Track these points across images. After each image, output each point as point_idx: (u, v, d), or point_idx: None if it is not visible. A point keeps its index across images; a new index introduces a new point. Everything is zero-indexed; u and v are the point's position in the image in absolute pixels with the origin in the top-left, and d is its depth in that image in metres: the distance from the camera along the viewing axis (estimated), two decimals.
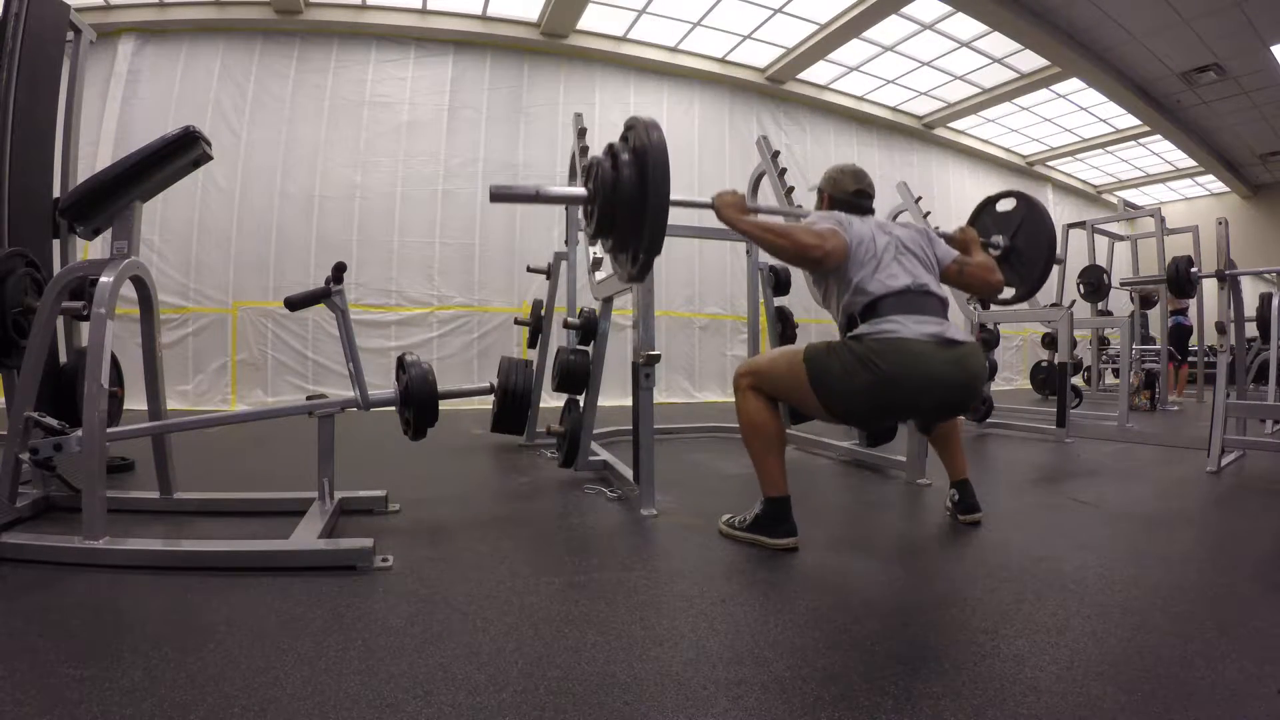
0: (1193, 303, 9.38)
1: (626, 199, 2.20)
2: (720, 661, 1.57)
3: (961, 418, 3.01)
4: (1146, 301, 10.11)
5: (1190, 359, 9.96)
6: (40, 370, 2.40)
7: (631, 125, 2.26)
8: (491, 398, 4.54)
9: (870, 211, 2.84)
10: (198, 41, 8.02)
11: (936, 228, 2.99)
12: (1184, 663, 1.58)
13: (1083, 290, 9.04)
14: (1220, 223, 4.55)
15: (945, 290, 2.64)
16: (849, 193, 2.85)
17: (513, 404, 4.70)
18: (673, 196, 2.20)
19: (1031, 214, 3.41)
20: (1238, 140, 12.60)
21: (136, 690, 1.39)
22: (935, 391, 2.37)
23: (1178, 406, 8.75)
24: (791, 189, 4.77)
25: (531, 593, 2.02)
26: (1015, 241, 3.42)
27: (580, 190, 2.44)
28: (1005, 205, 3.50)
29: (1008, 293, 3.33)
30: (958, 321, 3.11)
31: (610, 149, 2.29)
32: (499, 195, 2.33)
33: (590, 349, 3.88)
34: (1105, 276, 9.23)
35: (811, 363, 2.44)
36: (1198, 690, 1.45)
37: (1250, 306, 5.16)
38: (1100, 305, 9.20)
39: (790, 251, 2.55)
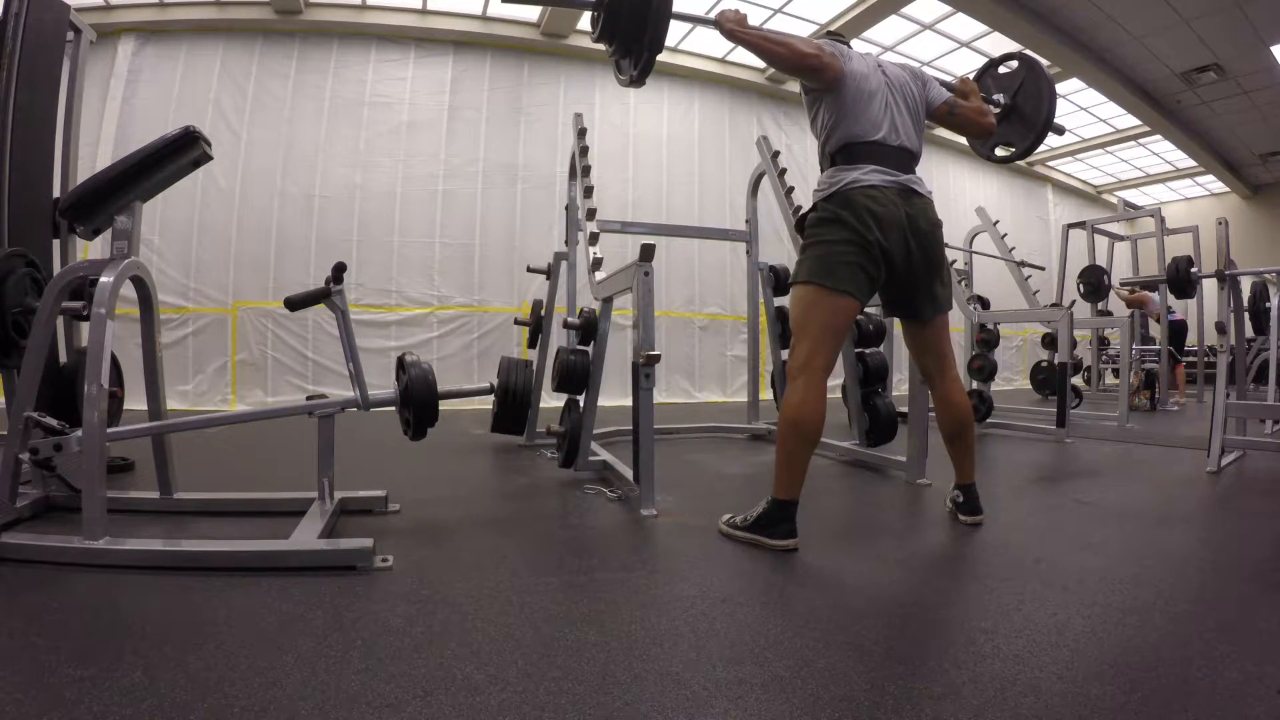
0: (1186, 302, 9.37)
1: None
2: (720, 661, 1.57)
3: (974, 425, 2.98)
4: None
5: (1189, 358, 9.96)
6: (40, 370, 2.40)
7: None
8: (491, 398, 4.54)
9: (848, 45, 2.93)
10: (197, 42, 8.03)
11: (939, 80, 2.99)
12: (1184, 663, 1.57)
13: (1082, 290, 9.05)
14: (1220, 223, 4.55)
15: (919, 142, 2.78)
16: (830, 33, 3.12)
17: (513, 404, 4.70)
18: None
19: (1032, 74, 3.34)
20: (1238, 140, 12.61)
21: (136, 690, 1.39)
22: (899, 234, 2.57)
23: (1178, 406, 8.75)
24: (791, 189, 4.78)
25: (531, 592, 2.02)
26: (1016, 100, 3.35)
27: None
28: (1007, 68, 3.45)
29: (1005, 152, 3.41)
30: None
31: None
32: None
33: (590, 349, 3.88)
34: (1105, 277, 9.24)
35: (800, 274, 2.65)
36: (1198, 690, 1.45)
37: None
38: (1100, 305, 9.21)
39: (789, 60, 2.64)
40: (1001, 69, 3.46)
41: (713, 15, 2.67)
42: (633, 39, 2.51)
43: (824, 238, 2.60)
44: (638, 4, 2.41)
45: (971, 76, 3.23)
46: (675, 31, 9.23)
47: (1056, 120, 3.24)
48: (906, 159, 2.70)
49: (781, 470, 2.55)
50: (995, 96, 3.37)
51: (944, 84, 2.97)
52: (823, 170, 2.77)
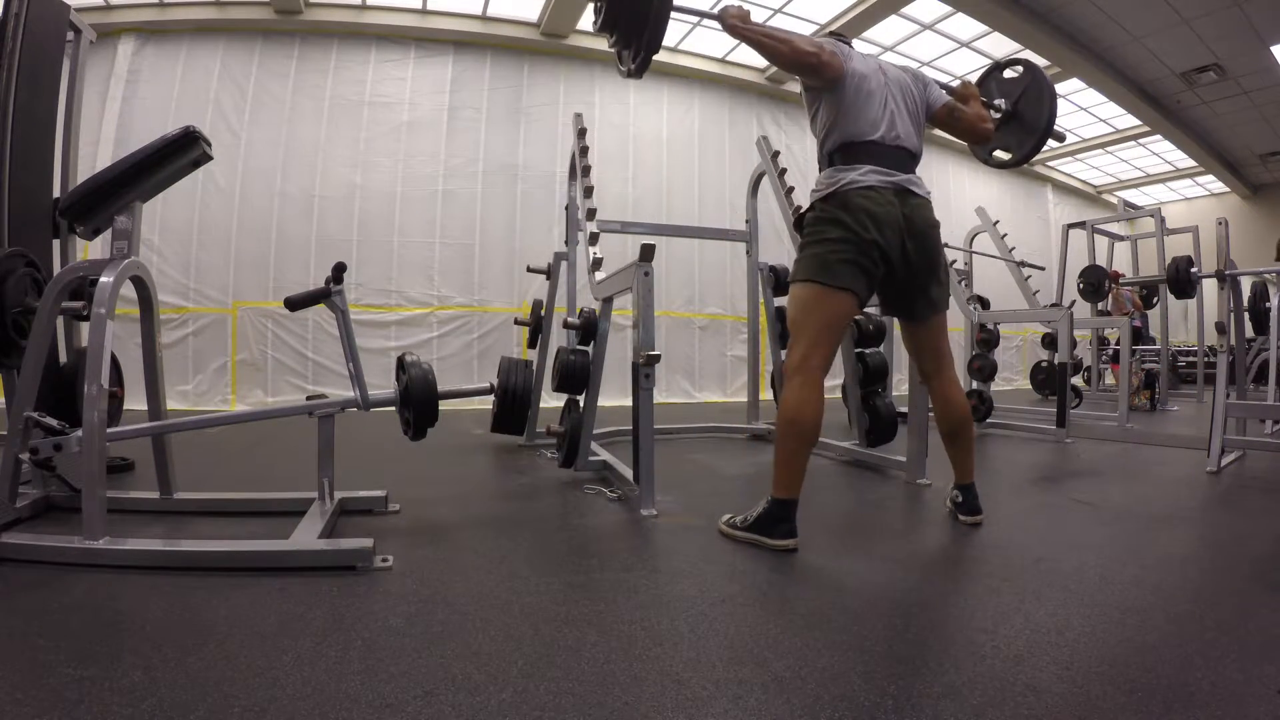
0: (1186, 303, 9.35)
1: None
2: (720, 662, 1.57)
3: (974, 425, 2.98)
4: (1145, 302, 10.12)
5: (1189, 358, 9.92)
6: (40, 370, 2.40)
7: None
8: (491, 398, 4.54)
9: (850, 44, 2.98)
10: (197, 42, 8.02)
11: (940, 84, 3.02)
12: (1184, 663, 1.58)
13: (1082, 288, 9.04)
14: (1220, 223, 4.55)
15: (918, 142, 2.81)
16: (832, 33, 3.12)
17: (513, 404, 4.69)
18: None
19: (1035, 80, 3.37)
20: (1238, 140, 12.61)
21: (136, 690, 1.39)
22: (896, 233, 2.60)
23: (1178, 407, 8.75)
24: (791, 189, 4.78)
25: (531, 593, 2.02)
26: (1018, 106, 3.38)
27: None
28: (1013, 72, 3.46)
29: (1004, 156, 3.45)
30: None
31: None
32: None
33: (590, 349, 3.88)
34: (1106, 279, 9.24)
35: (799, 273, 2.65)
36: (1198, 690, 1.45)
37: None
38: (1100, 305, 9.21)
39: (788, 57, 2.65)
40: (1007, 73, 3.47)
41: (715, 9, 2.69)
42: (634, 33, 2.57)
43: (822, 236, 2.61)
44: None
45: (974, 80, 3.25)
46: (676, 31, 9.28)
47: (1057, 127, 3.27)
48: (905, 159, 2.72)
49: (780, 470, 2.55)
50: (997, 101, 3.41)
51: (945, 87, 3.00)
52: (821, 170, 2.79)
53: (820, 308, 2.58)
